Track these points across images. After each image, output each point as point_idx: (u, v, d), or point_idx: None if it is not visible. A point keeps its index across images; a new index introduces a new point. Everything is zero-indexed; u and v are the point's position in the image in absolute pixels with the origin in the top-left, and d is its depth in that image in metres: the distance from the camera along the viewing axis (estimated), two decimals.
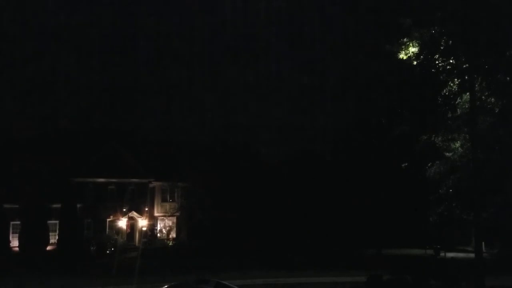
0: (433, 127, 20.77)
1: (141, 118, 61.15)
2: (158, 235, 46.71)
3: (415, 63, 20.44)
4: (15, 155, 41.78)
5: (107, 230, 43.99)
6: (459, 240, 44.52)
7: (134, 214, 45.28)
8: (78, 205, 42.03)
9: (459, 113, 20.41)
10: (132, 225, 45.75)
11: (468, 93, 19.94)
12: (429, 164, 21.38)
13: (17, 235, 39.47)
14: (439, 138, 20.90)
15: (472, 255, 25.26)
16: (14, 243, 39.53)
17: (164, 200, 48.50)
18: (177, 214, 47.17)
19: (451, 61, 20.20)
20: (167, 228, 47.71)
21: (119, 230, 44.13)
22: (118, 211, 44.60)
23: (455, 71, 20.22)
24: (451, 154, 21.03)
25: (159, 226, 47.63)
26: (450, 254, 35.26)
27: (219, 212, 43.77)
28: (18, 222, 39.52)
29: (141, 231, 45.37)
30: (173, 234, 47.56)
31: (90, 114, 60.45)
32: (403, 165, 23.25)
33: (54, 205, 40.83)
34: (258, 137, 52.16)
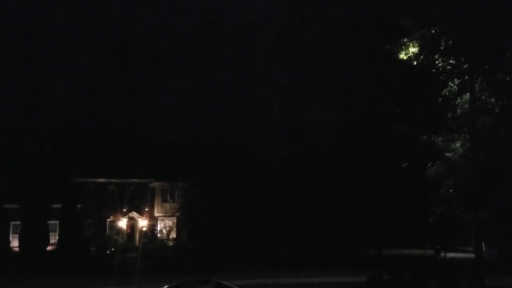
0: (433, 127, 20.80)
1: (141, 118, 61.04)
2: (158, 235, 46.74)
3: (415, 63, 20.48)
4: (15, 155, 41.78)
5: (107, 230, 43.98)
6: (459, 240, 44.46)
7: (134, 214, 45.30)
8: (78, 205, 42.00)
9: (459, 113, 20.46)
10: (132, 225, 45.76)
11: (468, 93, 19.97)
12: (429, 164, 21.42)
13: (17, 235, 39.44)
14: (439, 138, 20.94)
15: (472, 255, 25.24)
16: (14, 243, 39.51)
17: (164, 200, 48.53)
18: (177, 214, 47.14)
19: (451, 61, 20.23)
20: (167, 228, 47.71)
21: (119, 230, 44.13)
22: (118, 211, 44.63)
23: (455, 71, 20.26)
24: (451, 154, 21.07)
25: (159, 226, 47.65)
26: (450, 254, 35.13)
27: (219, 212, 43.76)
28: (18, 222, 39.51)
29: (141, 231, 45.40)
30: (173, 235, 47.56)
31: (91, 114, 60.38)
32: (403, 165, 23.27)
33: (54, 205, 40.78)
34: (258, 137, 52.08)
